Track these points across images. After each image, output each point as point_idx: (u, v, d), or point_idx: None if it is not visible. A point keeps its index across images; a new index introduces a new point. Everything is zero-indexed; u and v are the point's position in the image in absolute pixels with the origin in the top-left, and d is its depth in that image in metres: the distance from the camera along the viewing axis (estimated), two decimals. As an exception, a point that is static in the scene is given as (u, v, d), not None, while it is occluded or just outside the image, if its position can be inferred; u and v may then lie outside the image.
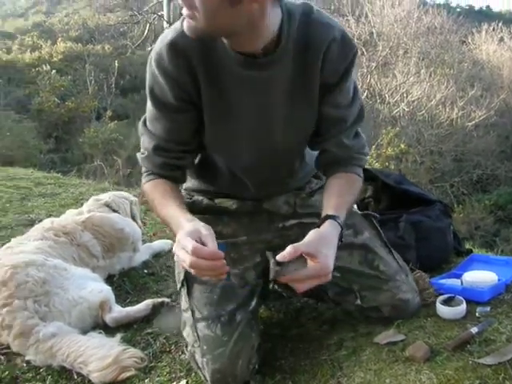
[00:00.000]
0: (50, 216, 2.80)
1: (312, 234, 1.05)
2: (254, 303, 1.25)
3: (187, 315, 1.23)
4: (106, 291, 1.58)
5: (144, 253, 2.08)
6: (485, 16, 23.95)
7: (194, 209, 1.28)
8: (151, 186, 1.21)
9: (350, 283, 1.27)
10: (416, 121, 12.10)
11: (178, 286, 1.28)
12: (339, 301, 1.33)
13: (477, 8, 28.93)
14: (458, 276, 1.43)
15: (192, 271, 0.99)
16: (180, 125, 1.17)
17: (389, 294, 1.24)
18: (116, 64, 14.22)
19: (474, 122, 11.96)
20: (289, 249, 0.98)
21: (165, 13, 10.20)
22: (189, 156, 1.23)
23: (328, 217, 1.10)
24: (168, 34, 1.11)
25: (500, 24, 16.19)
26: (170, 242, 2.24)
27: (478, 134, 12.04)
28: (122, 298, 1.75)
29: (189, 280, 1.24)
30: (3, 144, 7.54)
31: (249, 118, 1.17)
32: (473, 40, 16.21)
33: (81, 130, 11.66)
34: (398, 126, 11.45)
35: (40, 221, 2.67)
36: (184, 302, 1.25)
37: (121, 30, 13.22)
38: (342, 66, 1.15)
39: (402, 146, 10.11)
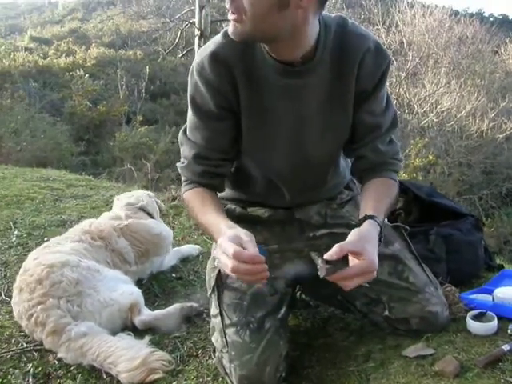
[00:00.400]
0: (81, 217, 2.88)
1: (354, 233, 1.08)
2: (282, 311, 1.26)
3: (216, 321, 1.25)
4: (136, 294, 1.61)
5: (173, 257, 2.11)
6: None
7: (227, 216, 1.30)
8: (191, 195, 1.25)
9: (378, 294, 1.27)
10: (445, 131, 11.92)
11: (209, 291, 1.31)
12: (367, 311, 1.32)
13: (511, 17, 28.38)
14: (489, 291, 1.40)
15: (233, 276, 1.01)
16: (220, 133, 1.21)
17: (418, 306, 1.24)
18: (147, 69, 14.49)
19: (505, 134, 11.71)
20: (335, 248, 1.01)
21: (196, 20, 10.33)
22: (228, 164, 1.27)
23: (367, 217, 1.13)
24: (209, 46, 1.16)
25: (535, 34, 15.82)
26: (197, 247, 2.27)
27: (508, 147, 11.78)
28: (151, 301, 1.78)
29: (219, 286, 1.26)
30: (38, 146, 7.76)
31: (285, 123, 1.21)
32: (506, 50, 15.89)
33: (111, 134, 11.90)
34: (426, 136, 11.31)
35: (71, 222, 2.77)
36: (214, 308, 1.27)
37: (153, 36, 13.47)
38: (377, 75, 1.19)
39: (431, 157, 9.98)
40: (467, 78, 13.00)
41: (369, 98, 1.21)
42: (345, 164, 1.41)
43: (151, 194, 2.20)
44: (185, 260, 2.17)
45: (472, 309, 1.29)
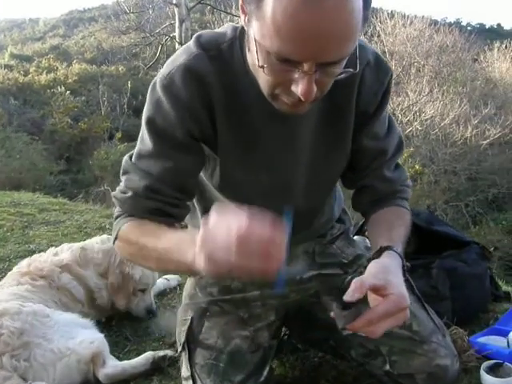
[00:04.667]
0: (51, 246, 2.67)
1: (373, 265, 0.87)
2: (266, 372, 1.07)
3: (188, 385, 1.05)
4: (99, 342, 1.39)
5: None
6: (496, 34, 23.89)
7: None
8: (135, 224, 0.96)
9: (376, 345, 1.09)
10: (429, 140, 11.96)
11: (179, 348, 1.11)
12: (363, 362, 1.15)
13: (488, 26, 28.95)
14: (502, 332, 1.24)
15: (235, 256, 0.67)
16: (182, 168, 0.97)
17: (424, 360, 1.05)
18: (129, 85, 14.33)
19: (488, 141, 11.81)
20: (355, 284, 0.79)
21: (177, 34, 10.25)
22: (184, 206, 1.02)
23: (383, 249, 0.93)
24: (180, 55, 0.93)
25: (512, 42, 16.08)
26: (175, 277, 2.08)
27: (492, 153, 11.88)
28: (121, 346, 1.59)
29: (191, 343, 1.06)
30: (13, 167, 7.47)
31: (271, 155, 1.00)
32: (485, 58, 16.12)
33: (93, 151, 11.70)
34: (411, 145, 11.30)
35: (40, 251, 2.56)
36: (185, 369, 1.07)
37: (133, 51, 13.36)
38: (379, 93, 1.00)
39: (417, 166, 9.94)
40: (449, 85, 13.13)
41: (370, 119, 1.02)
42: (337, 196, 1.23)
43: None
44: (161, 294, 1.98)
45: (485, 357, 1.13)
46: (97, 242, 1.81)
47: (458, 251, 1.44)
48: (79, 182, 10.03)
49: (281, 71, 0.76)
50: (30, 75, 16.16)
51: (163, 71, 0.93)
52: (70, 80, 15.90)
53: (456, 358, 1.09)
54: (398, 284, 0.83)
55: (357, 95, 0.97)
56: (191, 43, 0.94)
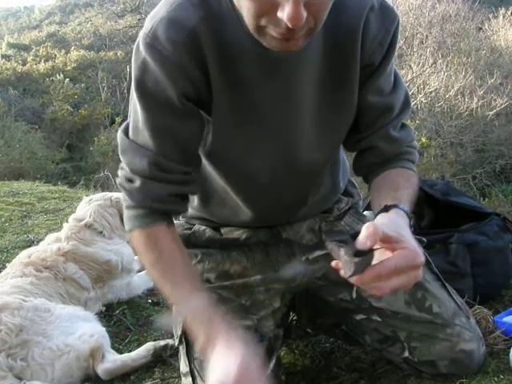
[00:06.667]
0: (50, 235, 2.63)
1: (382, 217, 0.80)
2: (272, 364, 0.97)
3: (187, 381, 0.96)
4: (99, 335, 1.32)
5: (148, 278, 1.84)
6: (501, 0, 23.30)
7: (194, 241, 1.03)
8: (146, 239, 0.90)
9: (394, 330, 0.99)
10: (435, 112, 11.75)
11: (176, 342, 1.02)
12: (380, 349, 1.05)
13: (492, -7, 28.25)
14: (529, 310, 1.14)
15: None
16: (184, 137, 0.87)
17: (447, 345, 0.96)
18: (128, 69, 14.19)
19: (495, 111, 11.56)
20: (367, 230, 0.69)
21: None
22: (195, 180, 0.93)
23: (389, 207, 0.82)
24: (160, 8, 0.82)
25: (519, 8, 15.66)
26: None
27: (499, 123, 11.64)
28: (121, 337, 1.52)
29: (188, 335, 0.97)
30: (12, 156, 7.35)
31: (269, 114, 0.89)
32: (490, 26, 15.70)
33: (94, 138, 11.65)
34: (416, 118, 11.11)
35: (39, 241, 2.49)
36: (183, 364, 0.98)
37: (129, 34, 13.17)
38: (385, 42, 0.89)
39: (424, 139, 9.76)
40: (453, 56, 12.84)
41: (374, 72, 0.91)
42: (342, 166, 1.11)
43: (111, 197, 1.85)
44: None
45: (513, 338, 1.03)
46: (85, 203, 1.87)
47: (478, 224, 1.33)
48: (82, 170, 9.97)
49: None
50: (28, 64, 16.06)
51: (144, 29, 0.82)
52: (68, 67, 15.81)
53: (482, 342, 0.99)
54: (411, 239, 0.74)
55: (361, 44, 0.87)
56: None
